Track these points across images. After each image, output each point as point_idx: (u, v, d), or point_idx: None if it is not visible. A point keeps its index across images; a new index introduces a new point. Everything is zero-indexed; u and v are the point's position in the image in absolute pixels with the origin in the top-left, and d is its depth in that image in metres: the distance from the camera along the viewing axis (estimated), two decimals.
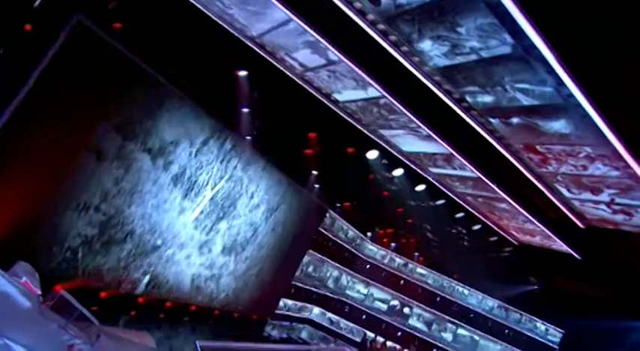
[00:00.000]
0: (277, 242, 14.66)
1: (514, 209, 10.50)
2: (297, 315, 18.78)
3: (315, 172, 13.97)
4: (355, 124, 9.91)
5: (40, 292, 6.03)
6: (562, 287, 15.56)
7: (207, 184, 11.25)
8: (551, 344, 20.61)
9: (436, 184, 11.17)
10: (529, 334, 20.85)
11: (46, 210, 8.25)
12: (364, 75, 7.39)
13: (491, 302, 21.41)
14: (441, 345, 20.94)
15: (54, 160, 8.08)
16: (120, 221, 9.52)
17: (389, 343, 19.84)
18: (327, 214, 17.64)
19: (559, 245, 11.23)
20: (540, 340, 20.73)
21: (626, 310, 13.59)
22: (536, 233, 11.47)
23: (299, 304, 18.58)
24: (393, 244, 21.62)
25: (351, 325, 20.61)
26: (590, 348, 16.49)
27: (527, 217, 10.60)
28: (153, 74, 9.08)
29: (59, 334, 5.18)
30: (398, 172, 11.77)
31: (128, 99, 8.97)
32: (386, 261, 21.65)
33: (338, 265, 20.11)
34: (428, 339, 20.97)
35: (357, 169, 12.16)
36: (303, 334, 19.43)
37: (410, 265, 21.80)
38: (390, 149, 10.55)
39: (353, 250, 20.67)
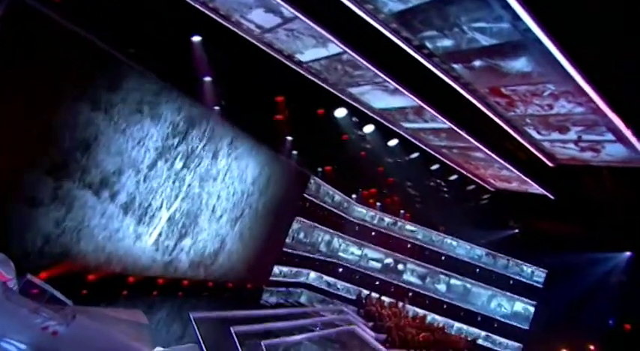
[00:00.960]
0: (263, 212, 14.69)
1: (489, 158, 10.57)
2: (294, 280, 19.17)
3: (289, 138, 13.76)
4: (322, 84, 9.68)
5: (11, 279, 5.97)
6: (540, 228, 16.13)
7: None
8: (536, 284, 21.65)
9: (411, 139, 11.13)
10: (516, 277, 21.79)
11: None
12: (320, 29, 7.11)
13: (479, 251, 22.11)
14: (436, 296, 21.78)
15: None
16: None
17: (383, 298, 20.56)
18: (312, 181, 17.63)
19: (535, 189, 11.43)
20: (527, 281, 21.71)
21: (598, 243, 14.22)
22: (512, 179, 11.63)
23: (294, 269, 18.92)
24: (378, 204, 21.89)
25: (348, 285, 21.22)
26: (568, 282, 17.43)
27: (502, 165, 10.69)
28: (102, 48, 8.55)
29: (31, 318, 5.20)
30: (369, 128, 11.61)
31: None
32: (375, 221, 22.01)
33: (328, 229, 20.38)
34: (423, 292, 21.78)
35: (330, 131, 12.01)
36: (302, 299, 19.94)
37: (399, 223, 22.21)
38: (361, 108, 10.38)
39: (342, 214, 20.91)
